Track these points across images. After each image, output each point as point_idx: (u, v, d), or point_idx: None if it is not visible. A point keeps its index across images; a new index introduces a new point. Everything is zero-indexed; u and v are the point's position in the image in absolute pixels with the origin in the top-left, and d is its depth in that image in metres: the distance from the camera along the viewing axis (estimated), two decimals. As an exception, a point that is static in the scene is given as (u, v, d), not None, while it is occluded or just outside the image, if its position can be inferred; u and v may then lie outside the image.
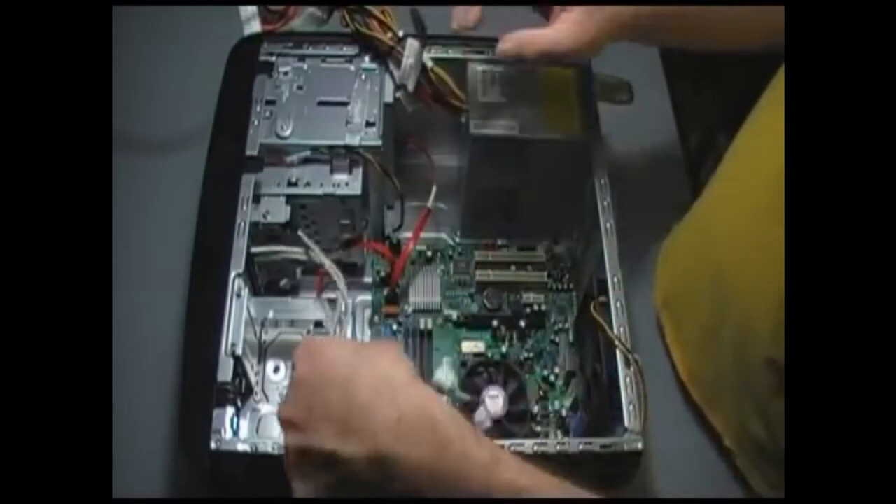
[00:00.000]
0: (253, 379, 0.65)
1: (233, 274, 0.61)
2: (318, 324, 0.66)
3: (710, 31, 0.63)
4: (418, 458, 0.43)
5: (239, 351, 0.59)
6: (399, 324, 0.74)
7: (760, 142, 0.66)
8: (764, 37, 0.61)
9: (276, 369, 0.67)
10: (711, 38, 0.64)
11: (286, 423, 0.47)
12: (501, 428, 0.66)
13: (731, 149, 0.70)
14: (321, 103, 0.69)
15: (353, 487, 0.45)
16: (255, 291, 0.66)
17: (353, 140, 0.67)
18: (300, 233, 0.66)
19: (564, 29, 0.60)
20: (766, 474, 0.69)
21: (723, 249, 0.68)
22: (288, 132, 0.67)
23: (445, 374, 0.65)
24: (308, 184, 0.67)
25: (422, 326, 0.73)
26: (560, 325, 0.74)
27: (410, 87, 0.67)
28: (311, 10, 0.70)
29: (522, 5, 0.66)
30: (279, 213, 0.66)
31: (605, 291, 0.63)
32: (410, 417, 0.43)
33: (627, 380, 0.60)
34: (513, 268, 0.75)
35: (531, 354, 0.73)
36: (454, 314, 0.74)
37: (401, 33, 0.67)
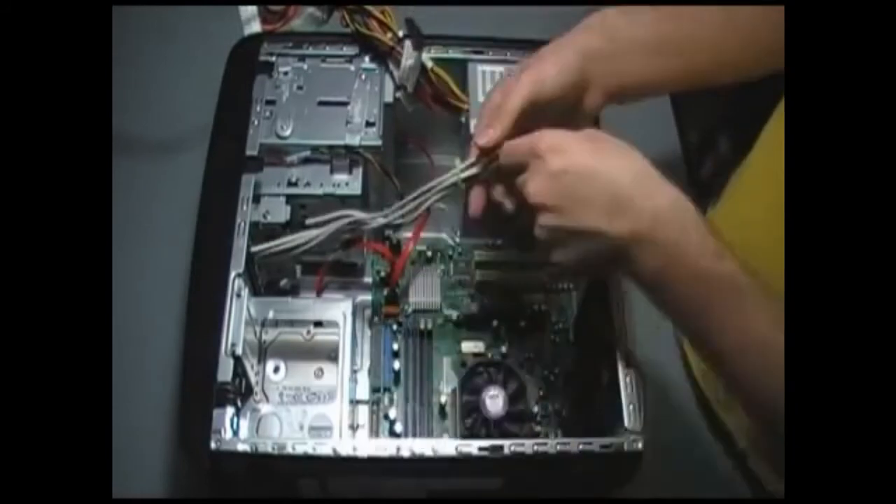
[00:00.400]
0: (253, 379, 0.65)
1: (233, 274, 0.61)
2: (318, 324, 0.66)
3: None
4: (674, 242, 0.50)
5: (239, 351, 0.59)
6: (399, 324, 0.74)
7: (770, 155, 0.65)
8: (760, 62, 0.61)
9: (276, 369, 0.67)
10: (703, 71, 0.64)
11: (542, 207, 0.53)
12: (501, 428, 0.66)
13: (758, 143, 0.69)
14: (321, 103, 0.69)
15: (603, 260, 0.53)
16: (255, 291, 0.66)
17: (353, 140, 0.67)
18: (308, 221, 0.66)
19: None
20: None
21: (748, 241, 0.68)
22: (288, 132, 0.67)
23: None
24: (308, 184, 0.67)
25: (422, 326, 0.73)
26: (560, 325, 0.74)
27: (410, 88, 0.67)
28: (311, 10, 0.70)
29: (523, 6, 0.66)
30: (279, 213, 0.66)
31: (605, 290, 0.63)
32: (670, 207, 0.50)
33: (627, 380, 0.60)
34: (513, 268, 0.75)
35: (531, 354, 0.73)
36: (454, 314, 0.74)
37: (401, 33, 0.67)
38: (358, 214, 0.64)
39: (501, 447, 0.57)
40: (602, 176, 0.51)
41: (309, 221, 0.65)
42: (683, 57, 0.62)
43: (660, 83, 0.64)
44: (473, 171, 0.61)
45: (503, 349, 0.73)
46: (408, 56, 0.66)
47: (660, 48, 0.61)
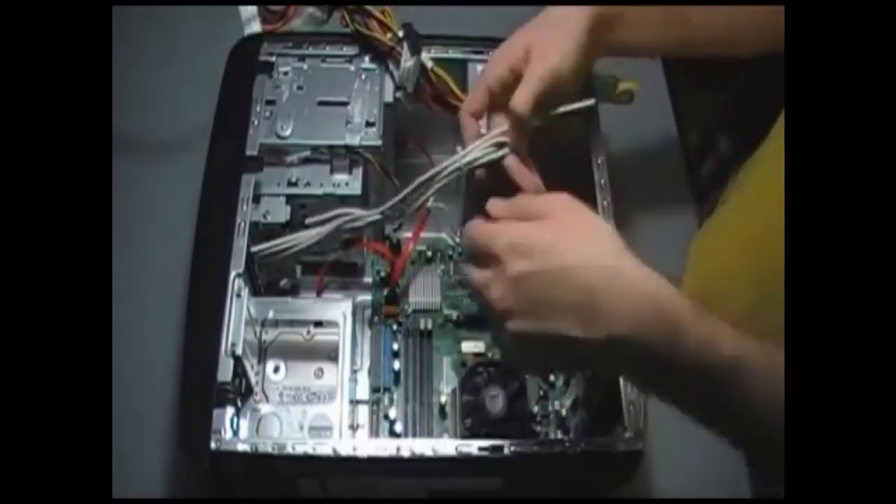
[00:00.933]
0: (253, 379, 0.65)
1: (233, 274, 0.61)
2: (318, 324, 0.66)
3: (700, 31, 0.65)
4: (663, 343, 0.45)
5: (239, 351, 0.59)
6: (399, 324, 0.74)
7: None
8: (757, 39, 0.61)
9: (276, 369, 0.67)
10: (700, 36, 0.66)
11: (507, 313, 0.48)
12: (501, 428, 0.66)
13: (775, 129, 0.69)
14: (321, 103, 0.69)
15: (580, 363, 0.52)
16: (255, 291, 0.66)
17: (353, 140, 0.67)
18: (307, 221, 0.66)
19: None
20: None
21: (770, 226, 0.67)
22: (288, 132, 0.67)
23: None
24: (308, 184, 0.67)
25: (422, 326, 0.73)
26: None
27: (410, 89, 0.67)
28: (311, 10, 0.70)
29: (523, 6, 0.66)
30: (279, 213, 0.66)
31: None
32: (651, 305, 0.45)
33: (627, 380, 0.60)
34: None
35: (531, 354, 0.73)
36: (454, 314, 0.74)
37: (400, 33, 0.67)
38: (357, 212, 0.64)
39: (501, 447, 0.57)
40: (571, 276, 0.46)
41: (309, 221, 0.65)
42: (689, 31, 0.64)
43: (661, 51, 0.67)
44: (475, 155, 0.61)
45: (503, 349, 0.73)
46: (406, 59, 0.66)
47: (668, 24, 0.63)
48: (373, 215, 0.65)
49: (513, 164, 0.64)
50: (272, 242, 0.65)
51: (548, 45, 0.61)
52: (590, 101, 0.66)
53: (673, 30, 0.66)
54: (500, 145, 0.64)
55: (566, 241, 0.48)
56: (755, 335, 0.46)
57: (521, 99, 0.61)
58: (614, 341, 0.46)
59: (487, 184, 0.69)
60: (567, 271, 0.46)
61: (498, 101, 0.64)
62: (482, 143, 0.64)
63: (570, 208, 0.50)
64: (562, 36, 0.61)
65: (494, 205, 0.53)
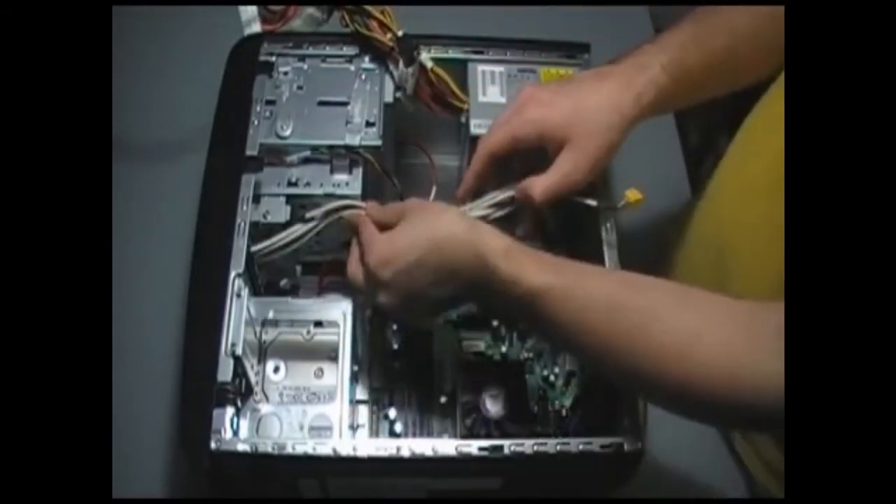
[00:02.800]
0: (253, 379, 0.65)
1: (233, 274, 0.61)
2: (318, 324, 0.66)
3: (716, 78, 0.65)
4: (477, 282, 0.56)
5: (239, 351, 0.59)
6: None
7: (762, 125, 0.66)
8: (768, 64, 0.62)
9: (276, 369, 0.67)
10: (720, 83, 0.66)
11: (393, 310, 0.60)
12: (501, 428, 0.66)
13: (738, 135, 0.70)
14: (321, 103, 0.69)
15: (448, 308, 0.64)
16: (255, 291, 0.66)
17: (353, 140, 0.67)
18: (307, 214, 0.66)
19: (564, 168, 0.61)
20: (767, 460, 0.69)
21: (724, 230, 0.69)
22: (288, 132, 0.67)
23: None
24: (308, 184, 0.67)
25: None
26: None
27: (409, 91, 0.67)
28: (311, 10, 0.70)
29: (523, 6, 0.66)
30: (279, 213, 0.66)
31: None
32: (470, 255, 0.56)
33: (627, 380, 0.59)
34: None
35: (531, 354, 0.73)
36: (454, 314, 0.74)
37: (400, 33, 0.67)
38: (361, 203, 0.64)
39: (501, 447, 0.57)
40: (417, 265, 0.57)
41: (308, 214, 0.65)
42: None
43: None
44: (479, 213, 0.64)
45: (503, 349, 0.73)
46: (401, 69, 0.67)
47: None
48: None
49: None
50: (271, 239, 0.65)
51: (589, 146, 0.60)
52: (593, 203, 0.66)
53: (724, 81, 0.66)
54: (502, 205, 0.65)
55: (406, 238, 0.58)
56: None
57: (542, 189, 0.61)
58: (459, 289, 0.57)
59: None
60: (417, 265, 0.57)
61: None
62: (485, 203, 0.65)
63: (419, 207, 0.60)
64: (606, 138, 0.60)
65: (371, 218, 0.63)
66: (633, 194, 0.64)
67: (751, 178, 0.66)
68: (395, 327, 0.73)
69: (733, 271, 0.67)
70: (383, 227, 0.60)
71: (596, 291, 0.53)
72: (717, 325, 0.50)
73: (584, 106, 0.60)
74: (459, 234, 0.56)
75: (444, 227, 0.57)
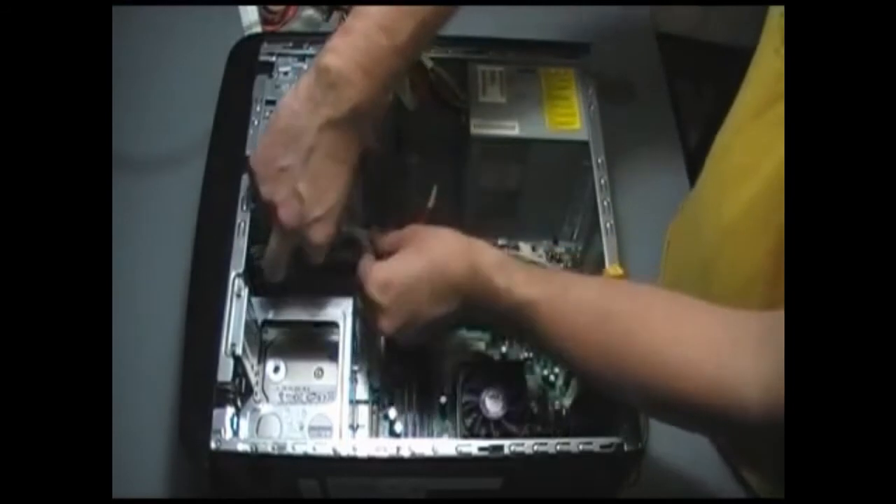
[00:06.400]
0: (253, 379, 0.65)
1: (233, 274, 0.61)
2: (318, 324, 0.66)
3: None
4: (474, 295, 0.58)
5: (239, 351, 0.59)
6: (399, 324, 0.73)
7: (742, 137, 0.66)
8: None
9: (276, 369, 0.67)
10: None
11: (393, 333, 0.60)
12: (501, 428, 0.66)
13: (716, 143, 0.70)
14: (321, 103, 0.69)
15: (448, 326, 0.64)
16: (255, 291, 0.66)
17: (353, 140, 0.67)
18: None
19: None
20: (763, 469, 0.70)
21: (709, 246, 0.69)
22: (288, 132, 0.67)
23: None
24: (308, 184, 0.67)
25: (422, 326, 0.73)
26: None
27: (410, 107, 0.69)
28: (311, 10, 0.70)
29: (523, 6, 0.66)
30: (279, 213, 0.66)
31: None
32: (468, 271, 0.58)
33: (627, 380, 0.59)
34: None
35: (531, 354, 0.73)
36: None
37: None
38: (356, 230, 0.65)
39: (501, 447, 0.57)
40: (415, 285, 0.58)
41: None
42: None
43: None
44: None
45: (503, 349, 0.73)
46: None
47: None
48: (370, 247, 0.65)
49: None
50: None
51: (319, 195, 0.59)
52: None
53: None
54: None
55: (407, 262, 0.59)
56: None
57: (320, 238, 0.61)
58: (457, 304, 0.59)
59: (488, 184, 0.69)
60: (414, 282, 0.58)
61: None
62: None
63: (416, 232, 0.61)
64: (329, 179, 0.60)
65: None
66: (614, 270, 0.65)
67: (736, 189, 0.66)
68: (395, 327, 0.73)
69: (716, 293, 0.67)
70: (383, 255, 0.62)
71: (584, 300, 0.55)
72: (702, 330, 0.51)
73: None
74: (455, 248, 0.58)
75: (441, 245, 0.59)
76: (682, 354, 0.50)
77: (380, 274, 0.59)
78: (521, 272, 0.57)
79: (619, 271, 0.64)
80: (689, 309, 0.53)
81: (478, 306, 0.58)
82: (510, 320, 0.57)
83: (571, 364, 0.57)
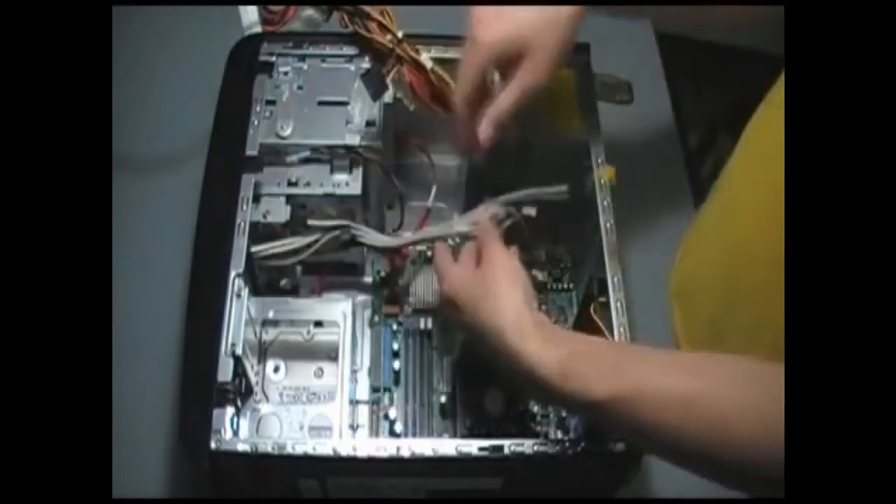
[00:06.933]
0: (253, 379, 0.65)
1: (233, 274, 0.61)
2: (318, 324, 0.66)
3: None
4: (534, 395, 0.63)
5: (239, 351, 0.59)
6: (399, 324, 0.74)
7: (775, 126, 0.66)
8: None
9: (276, 369, 0.67)
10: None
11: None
12: (501, 428, 0.66)
13: (745, 135, 0.70)
14: (321, 103, 0.69)
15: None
16: (255, 291, 0.66)
17: (353, 140, 0.67)
18: (310, 222, 0.66)
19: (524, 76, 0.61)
20: None
21: (737, 243, 0.68)
22: (288, 132, 0.67)
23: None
24: (308, 184, 0.67)
25: (422, 326, 0.73)
26: (560, 325, 0.74)
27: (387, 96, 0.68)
28: (311, 10, 0.70)
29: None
30: (279, 213, 0.66)
31: (604, 291, 0.63)
32: (523, 373, 0.54)
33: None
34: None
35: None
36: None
37: (400, 34, 0.67)
38: (357, 226, 0.65)
39: (501, 447, 0.57)
40: (482, 330, 0.57)
41: (311, 222, 0.65)
42: None
43: None
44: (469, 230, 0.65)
45: (503, 349, 0.73)
46: (370, 110, 0.68)
47: None
48: (376, 239, 0.67)
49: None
50: (271, 244, 0.65)
51: (547, 43, 0.61)
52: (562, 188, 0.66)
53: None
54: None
55: (486, 291, 0.57)
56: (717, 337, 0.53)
57: (504, 108, 0.62)
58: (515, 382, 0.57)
59: (488, 184, 0.69)
60: (480, 325, 0.57)
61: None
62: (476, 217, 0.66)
63: (502, 264, 0.59)
64: (555, 48, 0.61)
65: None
66: (608, 172, 0.64)
67: (764, 182, 0.65)
68: (394, 327, 0.73)
69: (742, 290, 0.66)
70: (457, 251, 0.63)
71: (665, 391, 0.50)
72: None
73: (527, 15, 0.61)
74: (511, 343, 0.54)
75: (499, 326, 0.55)
76: (779, 435, 0.45)
77: (450, 285, 0.60)
78: (589, 370, 0.52)
79: (612, 172, 0.64)
80: (769, 381, 0.48)
81: (533, 395, 0.61)
82: (579, 412, 0.58)
83: (654, 452, 0.55)
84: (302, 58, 0.71)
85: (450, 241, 0.66)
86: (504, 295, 0.57)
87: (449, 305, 0.60)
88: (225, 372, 0.58)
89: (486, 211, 0.66)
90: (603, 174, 0.66)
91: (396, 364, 0.71)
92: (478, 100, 0.63)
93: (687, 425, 0.50)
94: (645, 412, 0.50)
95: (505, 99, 0.62)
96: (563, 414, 0.70)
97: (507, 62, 0.62)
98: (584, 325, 0.70)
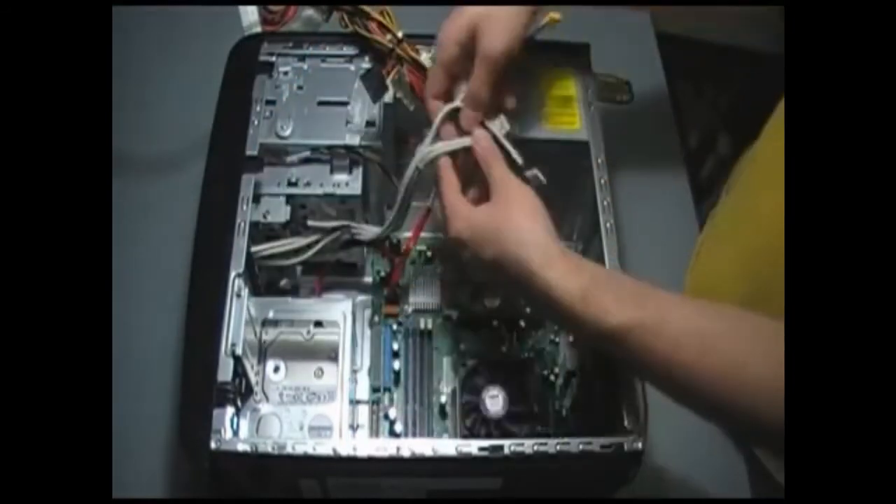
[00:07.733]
0: (253, 379, 0.65)
1: (233, 274, 0.61)
2: (318, 324, 0.66)
3: None
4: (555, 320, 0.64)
5: (239, 351, 0.59)
6: (399, 324, 0.74)
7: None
8: None
9: (276, 369, 0.67)
10: None
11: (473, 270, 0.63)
12: (501, 428, 0.66)
13: (765, 133, 0.69)
14: (321, 103, 0.69)
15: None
16: (255, 291, 0.66)
17: (353, 140, 0.67)
18: (310, 223, 0.66)
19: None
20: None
21: (758, 247, 0.68)
22: (288, 132, 0.67)
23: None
24: (308, 184, 0.67)
25: (422, 326, 0.73)
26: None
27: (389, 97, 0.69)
28: (311, 10, 0.70)
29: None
30: (279, 213, 0.66)
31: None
32: (541, 297, 0.54)
33: (628, 379, 0.59)
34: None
35: (531, 354, 0.73)
36: (454, 314, 0.74)
37: (400, 34, 0.67)
38: (357, 226, 0.65)
39: (501, 447, 0.57)
40: (505, 261, 0.55)
41: (311, 223, 0.65)
42: None
43: None
44: (444, 149, 0.62)
45: (503, 349, 0.73)
46: (370, 110, 0.68)
47: None
48: (375, 233, 0.66)
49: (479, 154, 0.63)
50: (271, 244, 0.65)
51: (492, 24, 0.59)
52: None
53: None
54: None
55: (507, 227, 0.56)
56: None
57: (478, 82, 0.60)
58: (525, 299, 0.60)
59: None
60: (503, 260, 0.56)
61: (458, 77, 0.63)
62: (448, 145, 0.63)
63: (517, 196, 0.58)
64: (506, 16, 0.59)
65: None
66: (553, 15, 0.62)
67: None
68: (394, 327, 0.73)
69: (768, 291, 0.66)
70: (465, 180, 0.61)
71: (684, 326, 0.51)
72: None
73: (477, 6, 0.60)
74: (538, 273, 0.54)
75: (525, 259, 0.54)
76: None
77: (458, 225, 0.58)
78: (609, 298, 0.52)
79: (556, 16, 0.63)
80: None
81: (554, 320, 0.60)
82: (597, 343, 0.54)
83: (668, 390, 0.54)
84: (302, 58, 0.71)
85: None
86: (527, 230, 0.55)
87: (469, 244, 0.57)
88: (225, 372, 0.58)
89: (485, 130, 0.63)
90: (546, 18, 0.63)
91: (396, 364, 0.71)
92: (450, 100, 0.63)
93: (702, 361, 0.49)
94: (661, 344, 0.50)
95: (474, 79, 0.60)
96: (564, 414, 0.70)
97: (469, 53, 0.61)
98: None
